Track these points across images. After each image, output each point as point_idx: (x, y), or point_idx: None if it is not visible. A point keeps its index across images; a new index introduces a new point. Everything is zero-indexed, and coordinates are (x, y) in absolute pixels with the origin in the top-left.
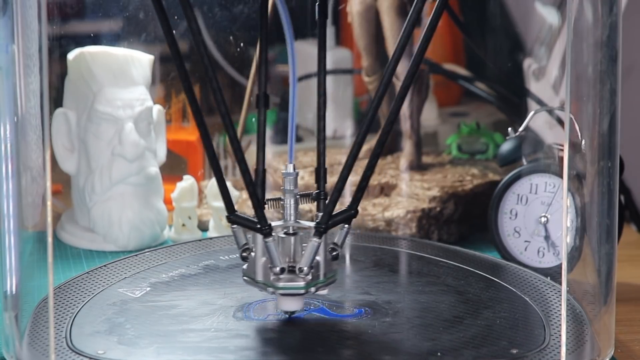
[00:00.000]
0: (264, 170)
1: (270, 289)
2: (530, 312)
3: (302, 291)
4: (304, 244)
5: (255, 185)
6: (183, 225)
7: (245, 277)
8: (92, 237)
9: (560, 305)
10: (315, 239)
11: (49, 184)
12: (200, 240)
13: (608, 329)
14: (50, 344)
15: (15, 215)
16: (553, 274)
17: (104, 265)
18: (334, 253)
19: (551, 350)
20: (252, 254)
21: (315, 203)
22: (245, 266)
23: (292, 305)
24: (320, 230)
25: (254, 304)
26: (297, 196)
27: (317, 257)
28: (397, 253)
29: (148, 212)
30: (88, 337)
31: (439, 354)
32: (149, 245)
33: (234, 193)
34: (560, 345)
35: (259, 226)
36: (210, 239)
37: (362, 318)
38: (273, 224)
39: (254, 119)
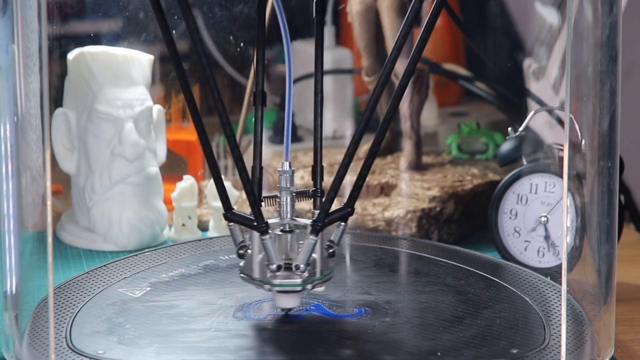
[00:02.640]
0: (261, 168)
1: (267, 286)
2: (530, 312)
3: (299, 288)
4: (300, 242)
5: (252, 183)
6: (183, 225)
7: (242, 275)
8: (92, 237)
9: (560, 305)
10: (312, 237)
11: (49, 184)
12: (200, 240)
13: (608, 329)
14: (50, 344)
15: (15, 215)
16: (553, 274)
17: (104, 265)
18: (331, 250)
19: (551, 350)
20: (249, 251)
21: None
22: (242, 263)
23: (289, 302)
24: (317, 228)
25: (253, 304)
26: (294, 194)
27: (314, 255)
28: (397, 253)
29: (148, 212)
30: (88, 337)
31: (439, 354)
32: (149, 245)
33: (233, 193)
34: (560, 345)
35: (255, 224)
36: (210, 239)
37: (362, 318)
38: (270, 221)
39: (253, 119)
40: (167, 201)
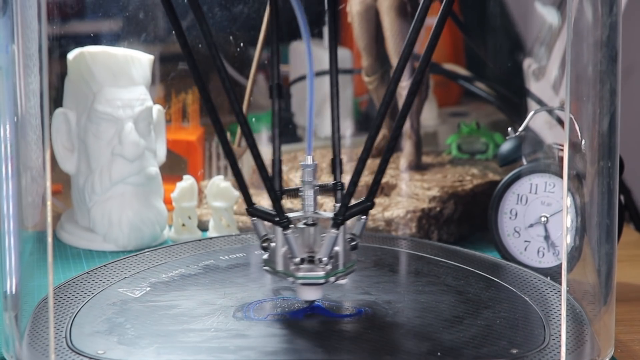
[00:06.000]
0: (280, 161)
1: (291, 279)
2: (530, 312)
3: (322, 281)
4: (322, 235)
5: (273, 177)
6: (183, 225)
7: (265, 267)
8: (92, 237)
9: (560, 305)
10: (333, 230)
11: (49, 184)
12: (200, 240)
13: (608, 329)
14: (50, 344)
15: (15, 215)
16: (553, 274)
17: (104, 265)
18: (353, 243)
19: (551, 350)
20: (272, 244)
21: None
22: (265, 256)
23: (312, 294)
24: (338, 221)
25: (253, 304)
26: (316, 187)
27: (337, 248)
28: (397, 253)
29: (148, 212)
30: (88, 337)
31: (439, 354)
32: (149, 245)
33: (234, 193)
34: (560, 345)
35: (277, 219)
36: (210, 239)
37: (362, 318)
38: (292, 215)
39: (254, 119)
40: (167, 201)
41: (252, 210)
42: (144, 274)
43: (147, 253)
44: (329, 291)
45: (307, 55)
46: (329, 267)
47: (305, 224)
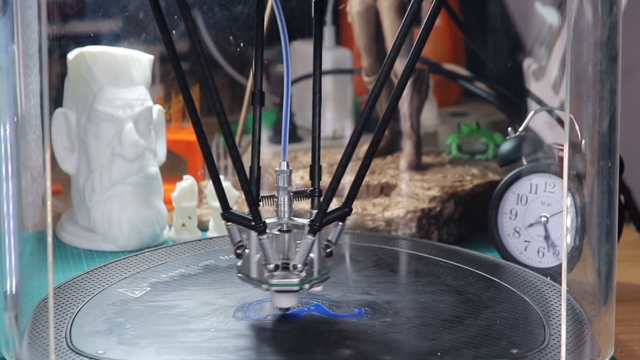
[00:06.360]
0: (259, 168)
1: (265, 286)
2: (530, 312)
3: (296, 288)
4: (298, 241)
5: (250, 183)
6: (183, 225)
7: (239, 274)
8: (92, 237)
9: (560, 305)
10: (310, 237)
11: (49, 184)
12: (200, 240)
13: (608, 329)
14: (50, 344)
15: (15, 215)
16: (553, 274)
17: (104, 265)
18: (328, 250)
19: (551, 350)
20: (247, 250)
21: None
22: (239, 263)
23: (286, 301)
24: (314, 227)
25: (253, 304)
26: (291, 193)
27: (311, 254)
28: (397, 253)
29: (148, 212)
30: (88, 337)
31: (439, 354)
32: (149, 245)
33: (233, 193)
34: (560, 345)
35: (253, 224)
36: (210, 239)
37: (362, 318)
38: (267, 221)
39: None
40: (167, 201)
41: (228, 215)
42: (144, 274)
43: (147, 253)
44: (329, 291)
45: (285, 58)
46: (303, 274)
47: (279, 230)
